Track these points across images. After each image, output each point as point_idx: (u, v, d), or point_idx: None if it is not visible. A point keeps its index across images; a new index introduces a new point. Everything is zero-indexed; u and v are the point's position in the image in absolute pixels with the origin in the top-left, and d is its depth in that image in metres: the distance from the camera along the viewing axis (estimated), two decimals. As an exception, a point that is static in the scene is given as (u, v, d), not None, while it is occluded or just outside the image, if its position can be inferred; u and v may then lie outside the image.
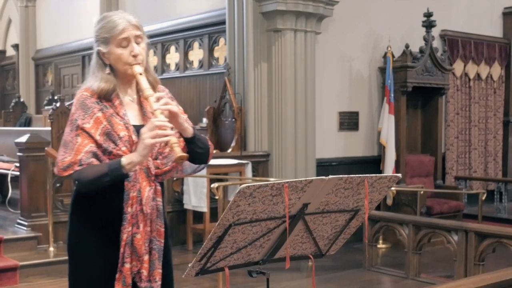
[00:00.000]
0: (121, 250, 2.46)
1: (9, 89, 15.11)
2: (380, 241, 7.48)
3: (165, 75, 9.80)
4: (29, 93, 13.65)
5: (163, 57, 9.85)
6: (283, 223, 2.18)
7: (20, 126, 11.10)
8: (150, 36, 10.10)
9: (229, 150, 7.69)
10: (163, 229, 2.55)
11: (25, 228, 6.25)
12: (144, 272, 2.50)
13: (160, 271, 2.54)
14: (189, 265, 2.20)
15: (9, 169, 7.01)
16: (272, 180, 6.19)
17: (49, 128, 6.74)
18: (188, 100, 9.31)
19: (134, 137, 2.45)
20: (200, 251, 2.16)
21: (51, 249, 6.10)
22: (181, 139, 2.50)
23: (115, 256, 2.47)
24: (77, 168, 2.39)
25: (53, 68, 13.24)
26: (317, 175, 7.14)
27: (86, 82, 2.54)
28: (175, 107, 2.43)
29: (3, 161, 7.45)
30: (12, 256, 5.84)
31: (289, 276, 5.76)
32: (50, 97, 11.23)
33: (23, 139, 6.24)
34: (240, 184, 2.96)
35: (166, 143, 2.44)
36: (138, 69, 2.46)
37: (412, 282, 5.86)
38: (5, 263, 5.65)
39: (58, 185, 6.46)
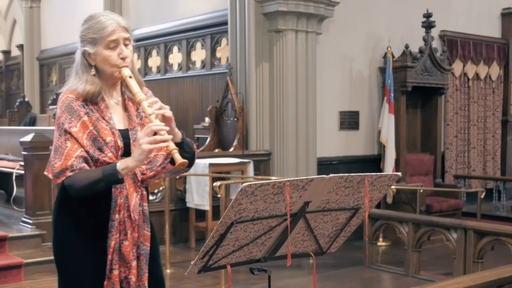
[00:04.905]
0: (109, 257, 2.40)
1: (14, 89, 15.17)
2: (380, 239, 7.49)
3: (167, 75, 9.87)
4: (33, 93, 13.69)
5: (166, 57, 9.90)
6: (284, 221, 2.20)
7: (24, 125, 11.16)
8: (153, 37, 10.13)
9: (231, 149, 7.74)
10: (149, 233, 2.51)
11: (29, 226, 6.27)
12: (133, 278, 2.45)
13: (147, 275, 2.49)
14: (192, 262, 2.21)
15: (14, 168, 7.03)
16: (273, 178, 6.25)
17: (54, 128, 6.78)
18: (190, 99, 9.38)
19: (119, 143, 2.39)
20: (203, 249, 2.16)
21: (56, 247, 6.16)
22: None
23: (104, 263, 2.42)
24: (69, 174, 2.32)
25: (58, 68, 13.28)
26: (318, 174, 7.20)
27: (69, 83, 2.45)
28: (169, 111, 2.35)
29: (8, 160, 7.48)
30: (17, 253, 5.87)
31: (290, 273, 5.78)
32: (55, 97, 11.26)
33: (28, 138, 6.26)
34: (242, 183, 3.00)
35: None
36: (127, 72, 2.39)
37: (412, 280, 5.88)
38: (10, 261, 5.69)
39: (62, 183, 6.51)
